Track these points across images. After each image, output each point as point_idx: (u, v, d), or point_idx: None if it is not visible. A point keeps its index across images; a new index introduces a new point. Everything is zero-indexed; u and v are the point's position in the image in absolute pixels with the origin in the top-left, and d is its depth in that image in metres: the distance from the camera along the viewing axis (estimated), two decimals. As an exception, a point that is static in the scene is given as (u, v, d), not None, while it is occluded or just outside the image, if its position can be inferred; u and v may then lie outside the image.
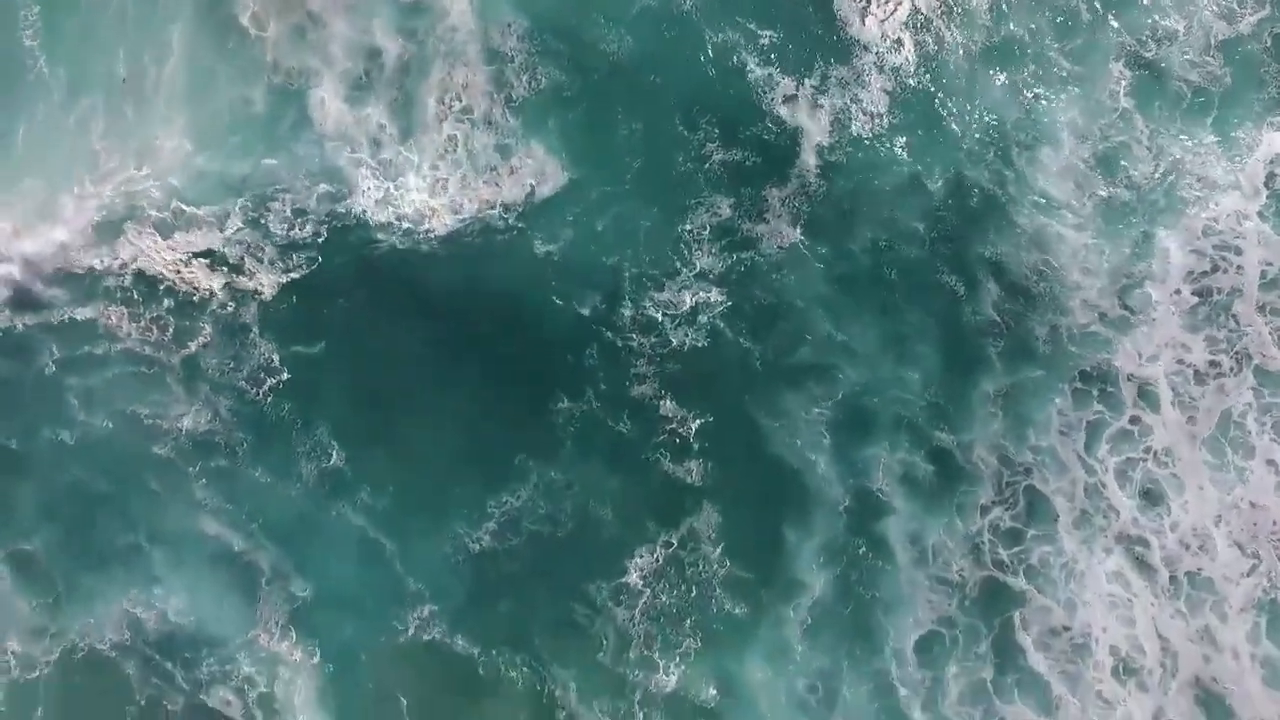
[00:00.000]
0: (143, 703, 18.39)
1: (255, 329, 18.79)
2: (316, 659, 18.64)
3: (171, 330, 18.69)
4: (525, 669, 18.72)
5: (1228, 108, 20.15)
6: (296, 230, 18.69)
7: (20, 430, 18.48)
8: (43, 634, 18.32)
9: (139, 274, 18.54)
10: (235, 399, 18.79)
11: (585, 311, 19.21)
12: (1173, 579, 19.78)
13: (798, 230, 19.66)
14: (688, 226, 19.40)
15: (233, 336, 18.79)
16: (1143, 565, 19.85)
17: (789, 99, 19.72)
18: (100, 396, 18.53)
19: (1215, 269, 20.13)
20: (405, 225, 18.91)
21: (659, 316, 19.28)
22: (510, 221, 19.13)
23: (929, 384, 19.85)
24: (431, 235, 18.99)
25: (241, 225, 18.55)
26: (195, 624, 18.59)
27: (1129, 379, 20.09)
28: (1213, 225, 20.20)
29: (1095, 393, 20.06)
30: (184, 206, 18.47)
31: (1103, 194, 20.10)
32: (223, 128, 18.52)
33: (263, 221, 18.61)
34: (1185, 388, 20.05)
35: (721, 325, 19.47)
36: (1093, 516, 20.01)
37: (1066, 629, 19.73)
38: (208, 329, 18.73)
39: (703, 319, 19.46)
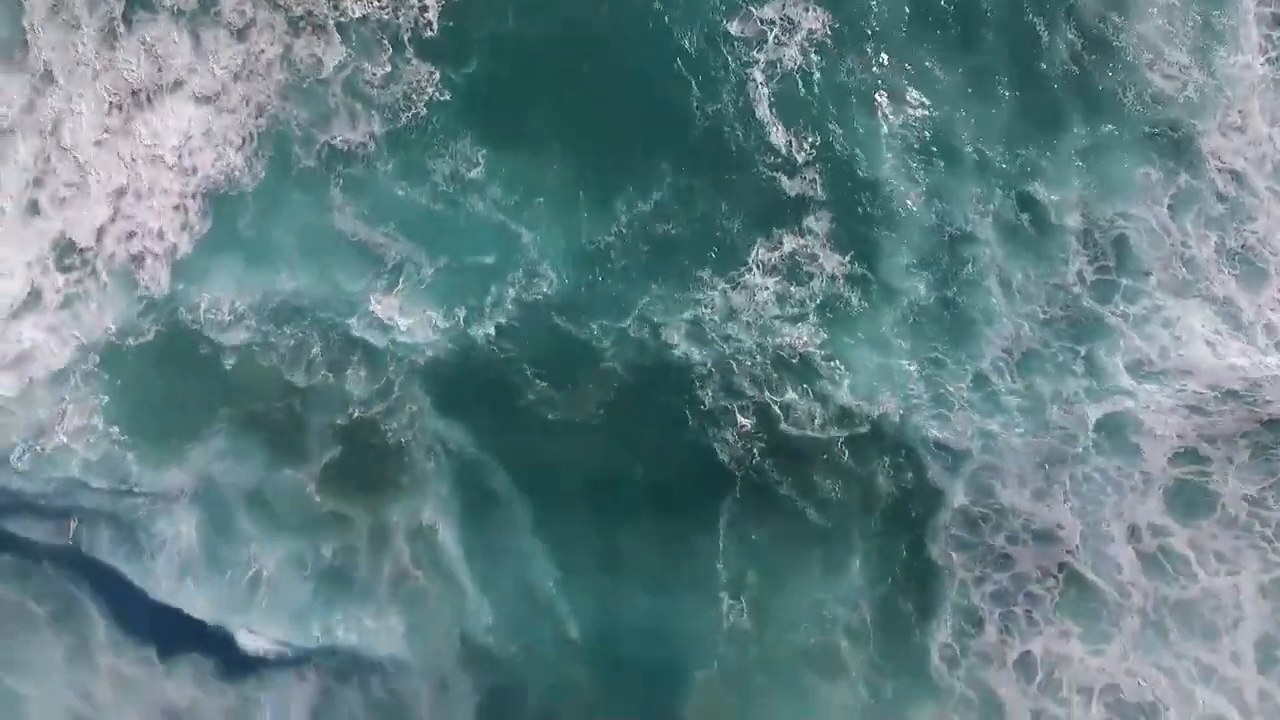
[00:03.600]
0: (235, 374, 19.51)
1: (410, 47, 20.12)
2: (437, 334, 19.99)
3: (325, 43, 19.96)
4: (645, 339, 19.94)
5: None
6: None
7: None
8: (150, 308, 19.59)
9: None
10: (381, 112, 20.08)
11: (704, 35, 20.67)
12: (1267, 328, 20.45)
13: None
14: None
15: (379, 51, 20.03)
16: (1234, 321, 20.57)
17: None
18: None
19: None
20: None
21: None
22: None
23: (1014, 129, 20.85)
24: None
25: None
26: (318, 300, 19.85)
27: (1214, 151, 20.96)
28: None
29: (1182, 161, 20.98)
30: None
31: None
32: None
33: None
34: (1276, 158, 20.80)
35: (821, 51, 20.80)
36: (1182, 274, 20.85)
37: (1153, 361, 20.48)
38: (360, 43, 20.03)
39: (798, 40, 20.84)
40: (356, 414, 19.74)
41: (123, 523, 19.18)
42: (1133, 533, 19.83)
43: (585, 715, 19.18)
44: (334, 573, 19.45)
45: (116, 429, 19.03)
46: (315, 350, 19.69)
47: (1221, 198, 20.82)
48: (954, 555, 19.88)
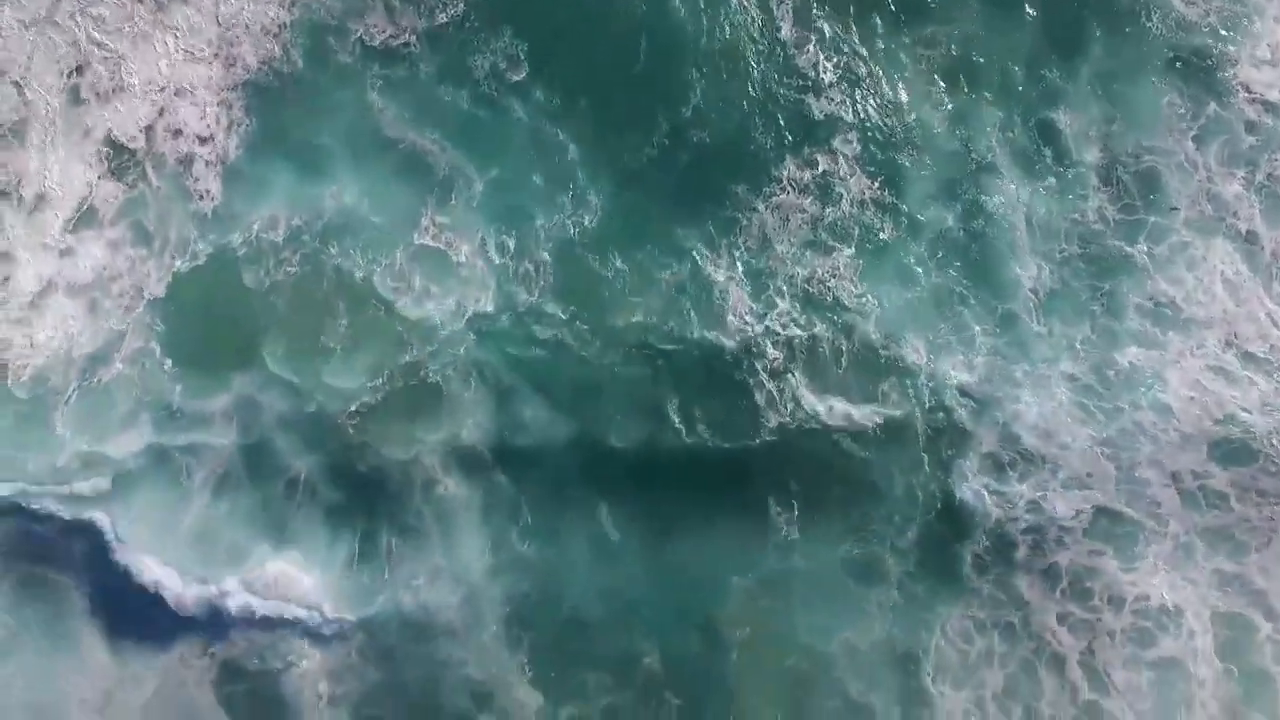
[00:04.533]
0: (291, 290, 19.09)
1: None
2: (484, 244, 19.62)
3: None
4: (677, 264, 19.82)
5: None
6: None
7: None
8: (205, 224, 19.22)
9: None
10: (418, 6, 19.81)
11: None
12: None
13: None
14: None
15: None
16: (1254, 262, 20.55)
17: None
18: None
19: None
20: None
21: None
22: None
23: (1036, 52, 20.88)
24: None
25: None
26: (364, 216, 19.40)
27: (1245, 81, 20.98)
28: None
29: (1210, 91, 20.95)
30: None
31: None
32: None
33: None
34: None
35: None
36: (1204, 208, 20.71)
37: (1179, 306, 20.41)
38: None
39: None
40: (404, 343, 19.34)
41: (165, 449, 18.77)
42: (1175, 477, 19.81)
43: (619, 623, 19.08)
44: (368, 493, 19.13)
45: (169, 358, 18.77)
46: (361, 275, 19.30)
47: (1252, 128, 20.78)
48: (986, 495, 19.70)
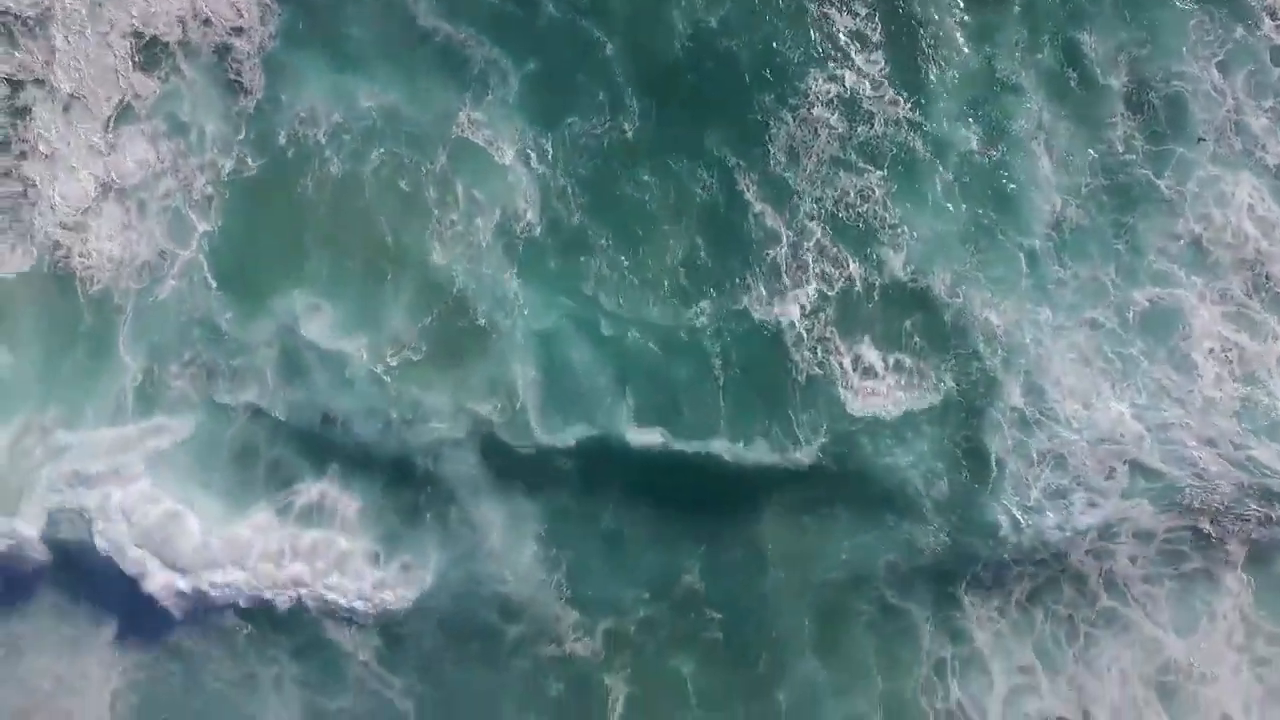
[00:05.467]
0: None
1: None
2: (523, 146, 19.28)
3: None
4: (709, 177, 19.48)
5: None
6: None
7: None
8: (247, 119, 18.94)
9: None
10: None
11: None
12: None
13: None
14: None
15: None
16: None
17: None
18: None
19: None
20: None
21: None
22: None
23: None
24: None
25: None
26: (402, 113, 19.05)
27: (1269, 5, 20.47)
28: None
29: (1234, 16, 20.48)
30: None
31: None
32: None
33: None
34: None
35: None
36: (1232, 140, 20.23)
37: (1206, 246, 19.89)
38: None
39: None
40: (449, 274, 18.95)
41: (214, 367, 18.49)
42: (1211, 442, 19.39)
43: (658, 541, 18.91)
44: (406, 422, 18.72)
45: (215, 277, 18.54)
46: (406, 182, 18.98)
47: (1279, 57, 20.29)
48: (1011, 448, 19.20)
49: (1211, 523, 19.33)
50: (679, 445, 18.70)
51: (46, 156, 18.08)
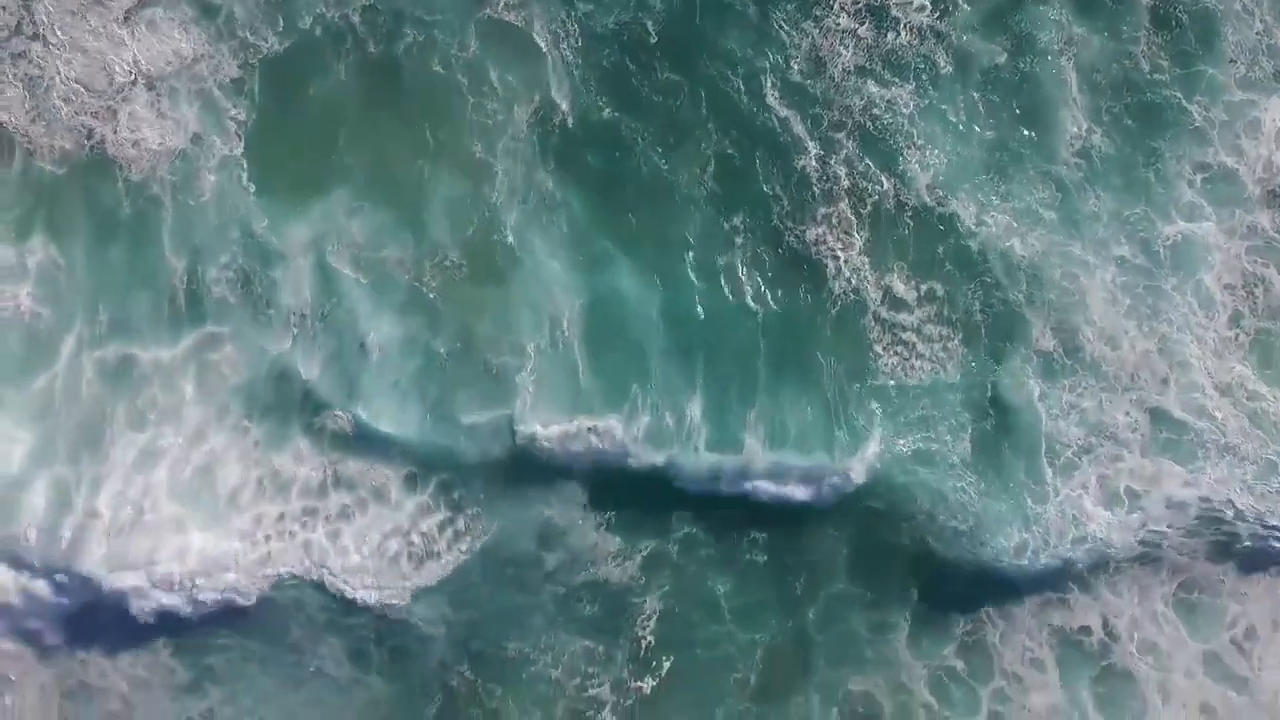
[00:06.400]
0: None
1: None
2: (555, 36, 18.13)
3: None
4: (733, 80, 18.37)
5: None
6: None
7: None
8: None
9: None
10: None
11: None
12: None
13: None
14: None
15: None
16: None
17: None
18: None
19: None
20: None
21: None
22: None
23: None
24: None
25: None
26: None
27: None
28: None
29: None
30: None
31: None
32: None
33: None
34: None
35: None
36: (1262, 64, 19.39)
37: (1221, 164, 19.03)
38: None
39: None
40: (489, 169, 17.92)
41: (248, 273, 17.36)
42: (1224, 390, 18.60)
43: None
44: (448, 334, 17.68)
45: (252, 175, 17.49)
46: (439, 62, 17.90)
47: None
48: (1037, 389, 18.31)
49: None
50: (720, 370, 17.93)
51: (59, 44, 17.17)
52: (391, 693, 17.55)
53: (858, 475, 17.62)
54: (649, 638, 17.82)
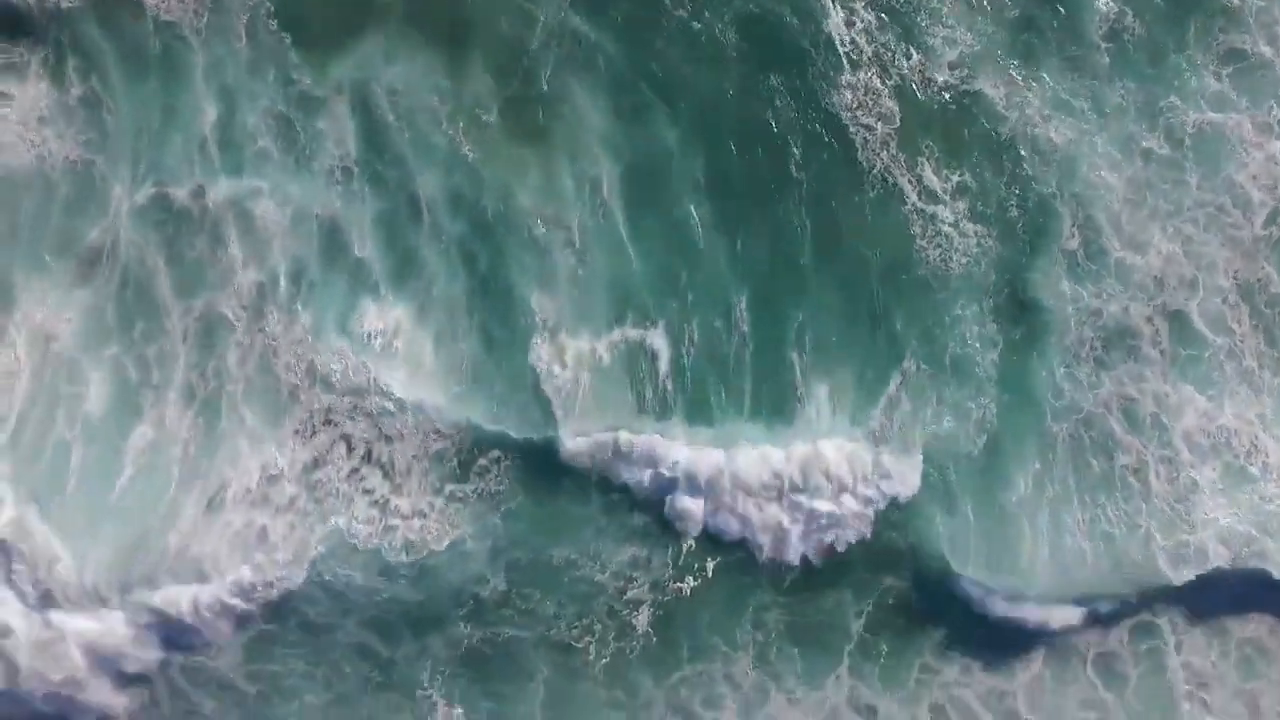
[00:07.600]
0: None
1: None
2: None
3: None
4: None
5: None
6: None
7: None
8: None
9: None
10: None
11: None
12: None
13: None
14: None
15: None
16: None
17: None
18: None
19: None
20: None
21: None
22: None
23: None
24: None
25: None
26: None
27: None
28: None
29: None
30: None
31: None
32: None
33: None
34: None
35: None
36: None
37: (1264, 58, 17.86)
38: None
39: None
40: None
41: (285, 117, 17.11)
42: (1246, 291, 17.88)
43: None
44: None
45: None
46: None
47: None
48: (1067, 295, 17.67)
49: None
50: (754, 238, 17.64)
51: None
52: (419, 599, 17.53)
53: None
54: (690, 541, 17.74)
